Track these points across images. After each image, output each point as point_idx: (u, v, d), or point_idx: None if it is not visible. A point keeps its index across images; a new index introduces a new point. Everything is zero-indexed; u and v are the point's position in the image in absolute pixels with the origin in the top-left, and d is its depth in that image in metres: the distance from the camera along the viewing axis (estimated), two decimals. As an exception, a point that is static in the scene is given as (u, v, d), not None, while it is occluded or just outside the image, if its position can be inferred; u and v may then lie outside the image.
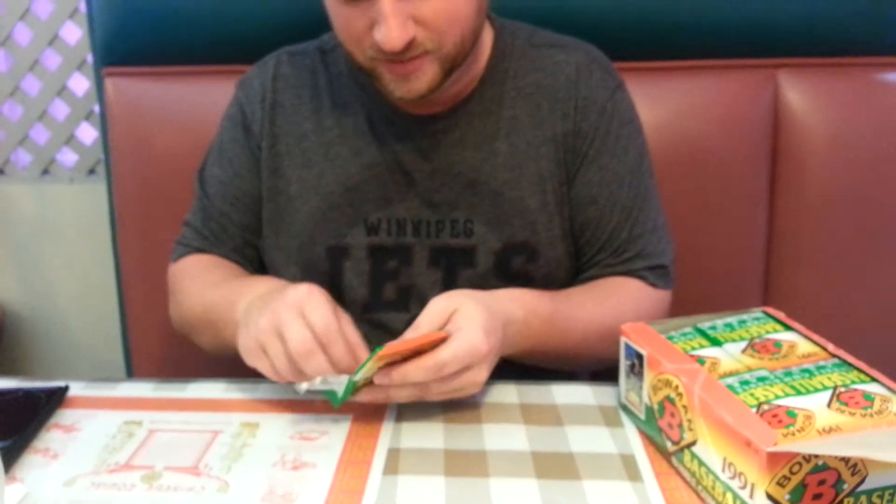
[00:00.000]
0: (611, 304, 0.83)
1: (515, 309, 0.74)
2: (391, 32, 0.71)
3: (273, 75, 0.88)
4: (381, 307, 0.85)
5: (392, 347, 0.61)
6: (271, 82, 0.88)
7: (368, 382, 0.64)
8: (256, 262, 0.92)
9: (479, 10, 0.78)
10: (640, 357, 0.65)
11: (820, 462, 0.50)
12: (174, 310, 0.91)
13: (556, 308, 0.78)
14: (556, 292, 0.82)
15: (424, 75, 0.76)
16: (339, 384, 0.63)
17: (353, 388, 0.64)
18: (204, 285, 0.85)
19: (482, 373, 0.65)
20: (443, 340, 0.63)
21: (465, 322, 0.65)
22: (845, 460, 0.51)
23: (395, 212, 0.84)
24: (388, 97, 0.82)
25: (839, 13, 1.01)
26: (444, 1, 0.73)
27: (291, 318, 0.64)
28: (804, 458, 0.50)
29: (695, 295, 0.93)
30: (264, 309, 0.67)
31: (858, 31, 1.02)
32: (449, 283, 0.84)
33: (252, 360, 0.68)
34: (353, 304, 0.85)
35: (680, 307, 0.84)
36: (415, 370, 0.62)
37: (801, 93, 1.03)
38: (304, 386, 0.64)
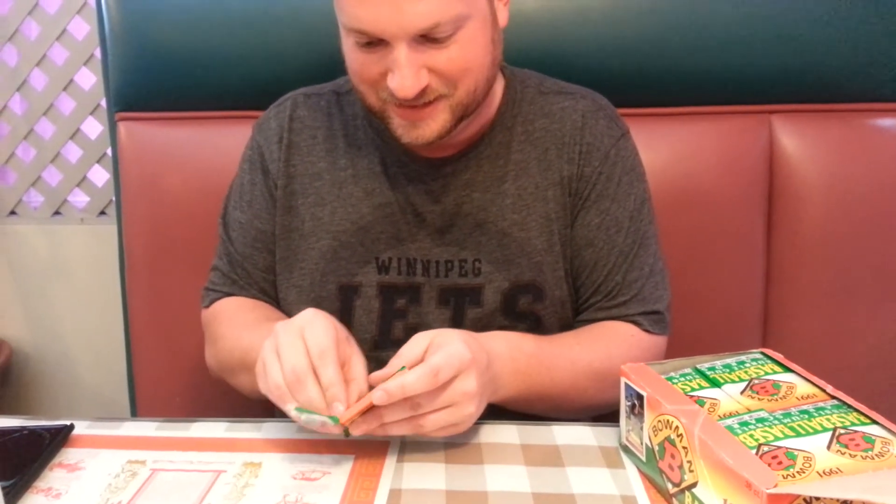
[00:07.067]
0: (600, 346, 0.83)
1: (497, 344, 0.74)
2: (405, 81, 0.73)
3: (290, 115, 0.91)
4: (389, 345, 0.86)
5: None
6: (287, 122, 0.90)
7: (365, 411, 0.65)
8: None
9: (493, 61, 0.80)
10: (640, 398, 0.65)
11: (821, 504, 0.50)
12: (210, 355, 0.91)
13: (541, 347, 0.78)
14: (541, 336, 0.82)
15: (434, 122, 0.78)
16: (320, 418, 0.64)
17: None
18: (239, 329, 0.85)
19: (469, 381, 0.65)
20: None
21: (443, 339, 0.66)
22: (846, 503, 0.51)
23: (405, 251, 0.86)
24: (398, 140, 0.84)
25: (830, 62, 1.04)
26: (458, 51, 0.75)
27: (290, 341, 0.65)
28: (805, 500, 0.50)
29: (694, 336, 0.94)
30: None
31: (848, 79, 1.05)
32: (457, 322, 0.85)
33: (259, 382, 0.68)
34: (362, 342, 0.85)
35: (679, 348, 0.84)
36: (413, 380, 0.62)
37: (794, 137, 1.06)
38: (290, 406, 0.64)
